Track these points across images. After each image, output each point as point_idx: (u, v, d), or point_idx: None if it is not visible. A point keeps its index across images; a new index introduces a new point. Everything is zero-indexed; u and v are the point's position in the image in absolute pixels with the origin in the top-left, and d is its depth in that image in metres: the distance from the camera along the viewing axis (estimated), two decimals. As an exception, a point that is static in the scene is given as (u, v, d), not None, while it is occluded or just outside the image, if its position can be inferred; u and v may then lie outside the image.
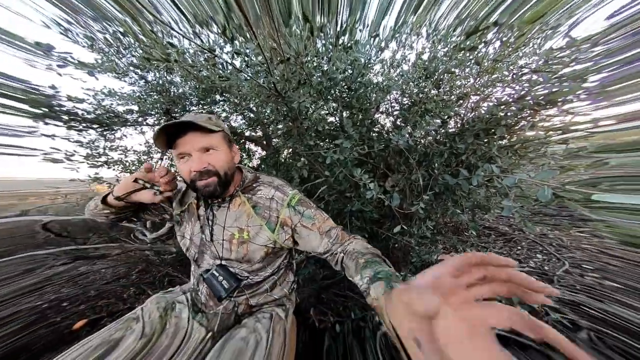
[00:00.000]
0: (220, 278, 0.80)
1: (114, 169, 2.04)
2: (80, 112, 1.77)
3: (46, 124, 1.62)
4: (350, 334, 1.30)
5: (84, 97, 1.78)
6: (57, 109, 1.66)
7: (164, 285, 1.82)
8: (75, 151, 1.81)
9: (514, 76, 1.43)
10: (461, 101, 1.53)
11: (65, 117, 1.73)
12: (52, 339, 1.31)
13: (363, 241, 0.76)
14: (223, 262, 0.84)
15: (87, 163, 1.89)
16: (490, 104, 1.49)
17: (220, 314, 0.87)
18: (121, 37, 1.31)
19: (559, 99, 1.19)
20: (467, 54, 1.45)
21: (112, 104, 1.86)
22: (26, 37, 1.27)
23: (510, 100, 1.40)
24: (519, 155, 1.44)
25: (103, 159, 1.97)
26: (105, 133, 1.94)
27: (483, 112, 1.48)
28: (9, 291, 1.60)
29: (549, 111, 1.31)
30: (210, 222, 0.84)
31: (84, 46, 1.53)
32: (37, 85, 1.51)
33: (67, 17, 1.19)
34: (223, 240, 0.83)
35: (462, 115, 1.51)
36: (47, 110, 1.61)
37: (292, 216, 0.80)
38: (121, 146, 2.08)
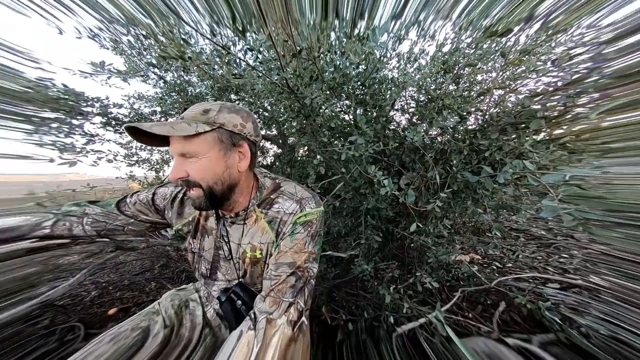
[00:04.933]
0: (239, 303, 0.71)
1: (142, 167, 2.24)
2: (120, 117, 1.96)
3: (107, 130, 1.89)
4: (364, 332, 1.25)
5: (121, 103, 1.98)
6: (108, 115, 1.87)
7: (182, 280, 1.90)
8: (118, 152, 2.05)
9: (556, 62, 1.26)
10: (482, 96, 1.43)
11: (113, 122, 1.94)
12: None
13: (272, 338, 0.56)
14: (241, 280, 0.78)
15: (126, 162, 2.13)
16: (521, 96, 1.36)
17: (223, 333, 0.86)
18: (143, 39, 1.40)
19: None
20: (494, 45, 1.35)
21: (140, 106, 2.03)
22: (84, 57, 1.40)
23: (551, 88, 1.24)
24: (567, 149, 1.25)
25: (135, 158, 2.18)
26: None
27: (510, 105, 1.36)
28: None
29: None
30: (225, 239, 0.77)
31: (107, 48, 1.68)
32: (96, 96, 1.73)
33: (99, 24, 1.30)
34: (239, 259, 0.76)
35: (484, 110, 1.41)
36: (107, 118, 1.85)
37: (286, 229, 0.70)
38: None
